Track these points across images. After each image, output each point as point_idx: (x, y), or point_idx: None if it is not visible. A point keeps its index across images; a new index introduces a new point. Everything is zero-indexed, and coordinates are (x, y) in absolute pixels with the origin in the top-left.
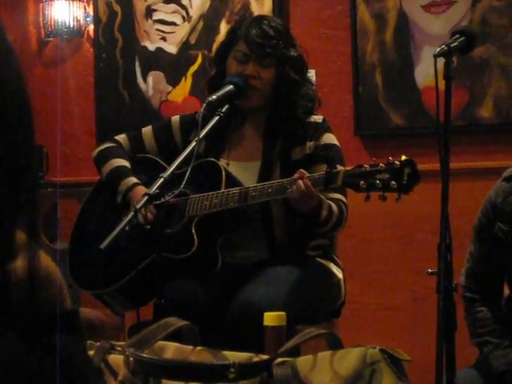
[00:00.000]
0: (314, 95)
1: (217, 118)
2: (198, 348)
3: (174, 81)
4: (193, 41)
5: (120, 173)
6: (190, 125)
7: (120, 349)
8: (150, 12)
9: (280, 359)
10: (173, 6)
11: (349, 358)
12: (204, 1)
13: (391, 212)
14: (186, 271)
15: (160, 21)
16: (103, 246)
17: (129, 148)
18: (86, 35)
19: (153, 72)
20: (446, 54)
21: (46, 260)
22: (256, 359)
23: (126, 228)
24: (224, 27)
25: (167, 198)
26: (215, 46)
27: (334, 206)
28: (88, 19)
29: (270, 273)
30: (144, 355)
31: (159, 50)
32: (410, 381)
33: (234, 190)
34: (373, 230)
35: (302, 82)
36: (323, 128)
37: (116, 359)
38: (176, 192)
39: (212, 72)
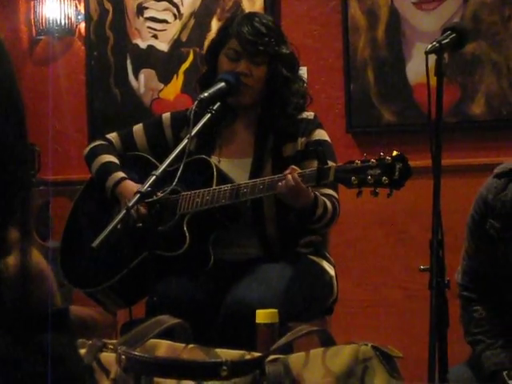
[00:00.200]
0: (305, 92)
1: (208, 115)
2: (190, 346)
3: (165, 78)
4: (184, 38)
5: (108, 168)
6: (181, 122)
7: (112, 347)
8: (141, 10)
9: (272, 356)
10: (164, 4)
11: (341, 355)
12: None
13: (383, 209)
14: (178, 268)
15: (151, 18)
16: (95, 244)
17: (120, 146)
18: (77, 33)
19: (144, 70)
20: (438, 50)
21: (38, 258)
22: (248, 357)
23: (118, 226)
24: (215, 24)
25: (159, 195)
26: (207, 44)
27: (329, 203)
28: (79, 17)
29: (262, 270)
30: (136, 353)
31: (151, 47)
32: (403, 377)
33: (225, 186)
34: (365, 226)
35: (294, 79)
36: (314, 124)
37: (108, 357)
38: (168, 189)
39: (203, 70)
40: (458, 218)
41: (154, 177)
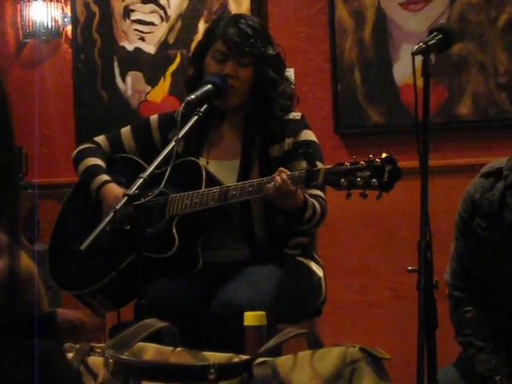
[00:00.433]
0: (291, 93)
1: (196, 117)
2: (178, 349)
3: (152, 81)
4: (171, 40)
5: (92, 171)
6: (169, 124)
7: (99, 350)
8: (127, 12)
9: (260, 359)
10: (151, 6)
11: (329, 358)
12: (182, 0)
13: (371, 210)
14: (166, 271)
15: (138, 21)
16: (83, 247)
17: (108, 149)
18: (64, 36)
19: (131, 72)
20: (424, 51)
21: (26, 262)
22: (236, 359)
23: (107, 229)
24: (202, 26)
25: (147, 198)
26: (193, 46)
27: (318, 205)
28: (66, 20)
29: (251, 272)
30: (124, 357)
31: (138, 50)
32: (391, 379)
33: (214, 189)
34: (353, 227)
35: (280, 80)
36: (301, 125)
37: (95, 361)
38: (156, 192)
39: (190, 72)
40: (446, 218)
41: (141, 179)
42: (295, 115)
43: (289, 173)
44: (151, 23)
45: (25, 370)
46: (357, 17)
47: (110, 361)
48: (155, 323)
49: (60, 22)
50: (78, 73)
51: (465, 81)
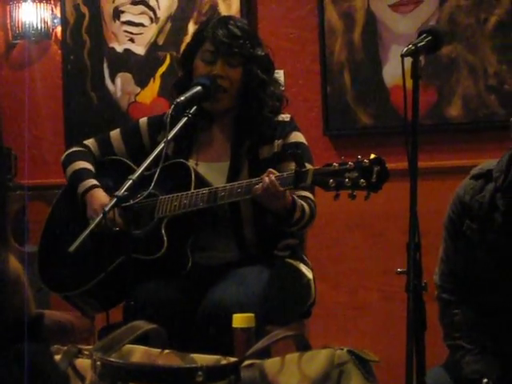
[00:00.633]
0: (281, 95)
1: (185, 119)
2: (166, 351)
3: (142, 82)
4: (161, 42)
5: (80, 175)
6: (158, 126)
7: (87, 353)
8: (117, 13)
9: (248, 361)
10: (140, 8)
11: (317, 360)
12: (172, 2)
13: (361, 211)
14: (156, 272)
15: (128, 22)
16: (72, 248)
17: (98, 152)
18: (53, 37)
19: (121, 73)
20: (414, 53)
21: (14, 264)
22: (224, 362)
23: (96, 230)
24: (192, 28)
25: (136, 199)
26: (182, 48)
27: (307, 207)
28: (55, 21)
29: (240, 274)
30: (111, 359)
31: (127, 51)
32: (378, 381)
33: (203, 190)
34: (342, 229)
35: (269, 81)
36: (291, 127)
37: (83, 363)
38: (145, 193)
39: (178, 74)
40: (435, 220)
41: (130, 181)
42: (284, 117)
43: (277, 174)
44: (141, 24)
45: (12, 372)
46: (346, 19)
47: (98, 363)
48: (143, 325)
49: (50, 23)
50: (68, 74)
51: (454, 83)
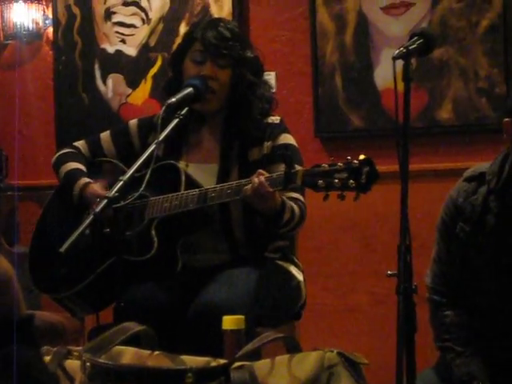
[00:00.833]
0: (270, 97)
1: (176, 120)
2: (156, 353)
3: (133, 83)
4: (152, 43)
5: (74, 175)
6: (148, 128)
7: (77, 354)
8: (109, 14)
9: (238, 363)
10: (132, 9)
11: (306, 362)
12: (163, 3)
13: (352, 214)
14: (146, 273)
15: (119, 23)
16: (63, 249)
17: (88, 153)
18: (45, 38)
19: (112, 74)
20: (405, 56)
21: (5, 265)
22: (214, 363)
23: (86, 231)
24: (184, 29)
25: (127, 200)
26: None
27: (296, 208)
28: (47, 22)
29: (230, 275)
30: (101, 360)
31: (119, 52)
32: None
33: (193, 191)
34: (333, 231)
35: (259, 83)
36: (280, 128)
37: (73, 364)
38: (136, 195)
39: (168, 76)
40: (426, 222)
41: (121, 182)
42: (274, 119)
43: (267, 174)
44: (132, 26)
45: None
46: (338, 21)
47: (87, 364)
48: (133, 326)
49: (41, 23)
50: (59, 75)
51: (445, 85)
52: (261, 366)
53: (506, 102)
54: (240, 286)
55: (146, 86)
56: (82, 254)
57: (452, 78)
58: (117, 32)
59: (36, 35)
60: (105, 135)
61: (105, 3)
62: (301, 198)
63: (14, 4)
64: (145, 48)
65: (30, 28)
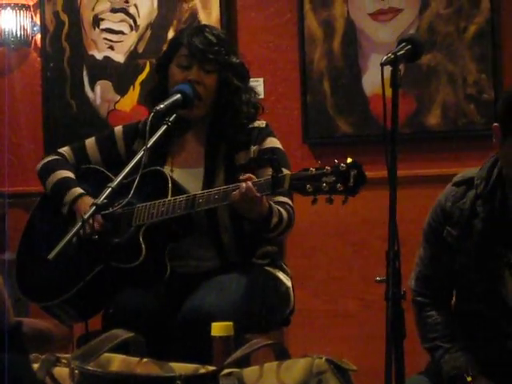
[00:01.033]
0: (256, 102)
1: (164, 127)
2: (145, 360)
3: (122, 90)
4: (141, 49)
5: (65, 184)
6: (133, 134)
7: (65, 361)
8: (97, 21)
9: (227, 370)
10: (120, 15)
11: (295, 369)
12: (151, 10)
13: (340, 219)
14: (134, 280)
15: (107, 30)
16: (51, 256)
17: (73, 160)
18: (33, 44)
19: (101, 81)
20: (393, 62)
21: None
22: (202, 370)
23: (74, 239)
24: (172, 36)
25: (114, 208)
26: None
27: (284, 212)
28: (35, 28)
29: (219, 281)
30: (89, 368)
31: (107, 58)
32: None
33: (180, 197)
34: (322, 237)
35: (245, 88)
36: (266, 132)
37: (61, 372)
38: (124, 202)
39: (153, 83)
40: (415, 228)
41: (109, 189)
42: (260, 123)
43: (255, 179)
44: (121, 32)
45: None
46: (326, 27)
47: (76, 372)
48: (122, 333)
49: (29, 30)
50: (47, 81)
51: (434, 91)
52: (249, 372)
53: (495, 107)
54: (229, 292)
55: (134, 93)
56: (70, 262)
57: (440, 84)
58: (105, 38)
59: (24, 42)
60: (90, 142)
61: (93, 10)
62: (289, 201)
63: (2, 11)
64: (133, 55)
65: (18, 35)
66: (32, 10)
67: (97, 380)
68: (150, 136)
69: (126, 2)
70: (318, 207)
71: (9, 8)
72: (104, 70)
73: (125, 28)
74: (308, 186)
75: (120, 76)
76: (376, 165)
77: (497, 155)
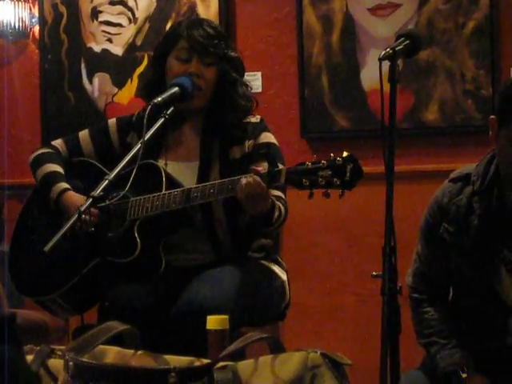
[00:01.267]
0: (250, 96)
1: (162, 120)
2: (139, 352)
3: (119, 82)
4: (139, 42)
5: (51, 178)
6: (127, 127)
7: (60, 353)
8: (95, 13)
9: (221, 363)
10: (119, 8)
11: (290, 363)
12: (150, 2)
13: (336, 214)
14: (129, 274)
15: (106, 22)
16: (47, 248)
17: (66, 152)
18: (31, 36)
19: (98, 73)
20: (391, 57)
21: None
22: (197, 363)
23: (68, 234)
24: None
25: (110, 201)
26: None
27: (282, 206)
28: (33, 20)
29: (214, 275)
30: (84, 360)
31: (105, 51)
32: None
33: (175, 191)
34: (318, 232)
35: (241, 81)
36: (261, 127)
37: (56, 363)
38: (120, 194)
39: (150, 75)
40: (411, 223)
41: (107, 181)
42: (254, 118)
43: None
44: (119, 25)
45: None
46: (325, 21)
47: (70, 363)
48: (117, 326)
49: (27, 22)
50: (45, 73)
51: (432, 87)
52: (244, 366)
53: (493, 103)
54: (224, 286)
55: (132, 86)
56: (64, 256)
57: (438, 80)
58: (103, 31)
59: (22, 34)
60: (83, 134)
61: (91, 2)
62: (283, 195)
63: (0, 2)
64: (131, 47)
65: (17, 26)
66: (30, 1)
67: (91, 372)
68: (148, 129)
69: None
70: (314, 202)
71: None
72: (102, 62)
73: (123, 21)
74: (304, 180)
75: (118, 69)
76: (373, 160)
77: (494, 152)
